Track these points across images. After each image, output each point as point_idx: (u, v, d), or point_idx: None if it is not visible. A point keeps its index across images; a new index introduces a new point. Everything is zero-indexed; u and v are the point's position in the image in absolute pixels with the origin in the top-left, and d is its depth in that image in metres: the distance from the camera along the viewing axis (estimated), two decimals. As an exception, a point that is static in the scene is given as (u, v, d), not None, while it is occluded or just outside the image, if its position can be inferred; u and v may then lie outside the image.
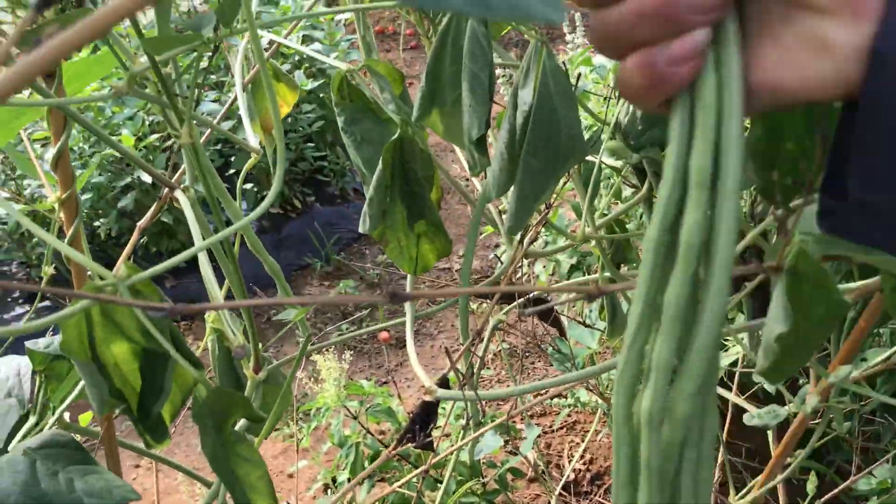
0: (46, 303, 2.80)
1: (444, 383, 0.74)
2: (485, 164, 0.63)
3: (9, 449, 0.66)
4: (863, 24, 0.31)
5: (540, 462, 2.10)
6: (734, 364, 1.47)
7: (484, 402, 1.95)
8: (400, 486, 1.14)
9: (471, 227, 0.77)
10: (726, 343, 1.52)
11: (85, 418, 1.09)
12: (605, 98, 1.59)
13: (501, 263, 0.93)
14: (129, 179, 2.98)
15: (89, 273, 0.80)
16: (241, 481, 0.70)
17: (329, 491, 2.02)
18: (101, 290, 0.51)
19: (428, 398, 0.72)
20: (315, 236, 3.46)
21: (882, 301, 0.83)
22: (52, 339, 0.79)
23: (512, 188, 0.63)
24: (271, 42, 0.91)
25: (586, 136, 0.97)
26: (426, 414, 0.70)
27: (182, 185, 0.65)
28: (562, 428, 2.34)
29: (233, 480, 0.68)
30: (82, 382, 0.76)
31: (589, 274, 2.01)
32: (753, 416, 1.14)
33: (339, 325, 2.99)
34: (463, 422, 1.50)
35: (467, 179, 1.15)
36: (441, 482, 1.50)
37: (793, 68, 0.33)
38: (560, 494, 2.00)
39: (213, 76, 3.30)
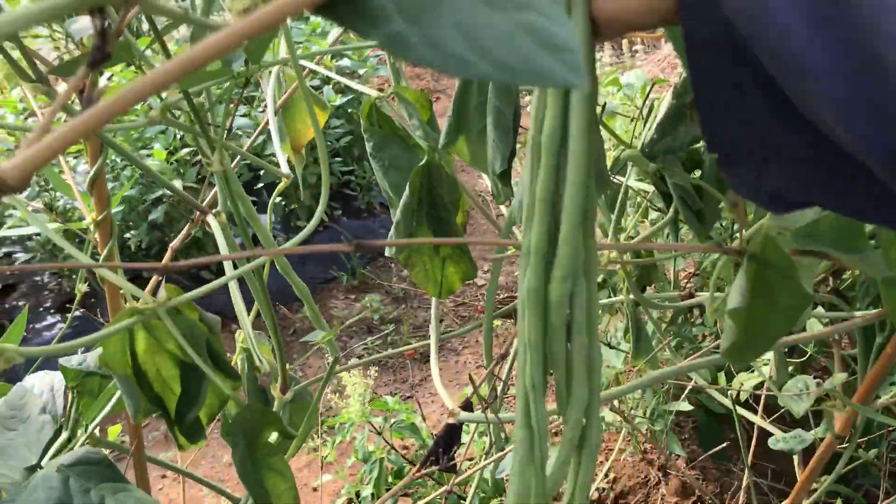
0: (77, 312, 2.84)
1: (467, 406, 0.74)
2: (508, 195, 0.64)
3: (42, 464, 0.67)
4: None
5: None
6: (759, 386, 1.46)
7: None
8: (423, 504, 1.14)
9: (496, 253, 0.78)
10: (752, 365, 1.51)
11: (114, 431, 1.11)
12: (631, 119, 1.59)
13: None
14: (159, 192, 3.02)
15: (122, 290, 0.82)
16: (269, 492, 0.72)
17: (353, 505, 2.03)
18: (142, 312, 0.53)
19: (451, 420, 0.72)
20: (341, 250, 3.48)
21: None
22: (85, 356, 0.81)
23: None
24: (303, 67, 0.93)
25: (612, 157, 0.97)
26: (449, 437, 0.71)
27: (213, 210, 0.66)
28: (586, 446, 2.33)
29: (261, 492, 0.70)
30: (114, 399, 0.78)
31: (615, 292, 2.00)
32: (779, 440, 1.13)
33: (365, 341, 3.01)
34: (487, 438, 1.50)
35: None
36: (464, 499, 1.50)
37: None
38: (584, 513, 1.99)
39: (243, 91, 3.34)
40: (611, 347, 1.72)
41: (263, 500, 0.72)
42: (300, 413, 0.85)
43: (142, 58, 0.60)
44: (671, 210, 0.92)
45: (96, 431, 0.79)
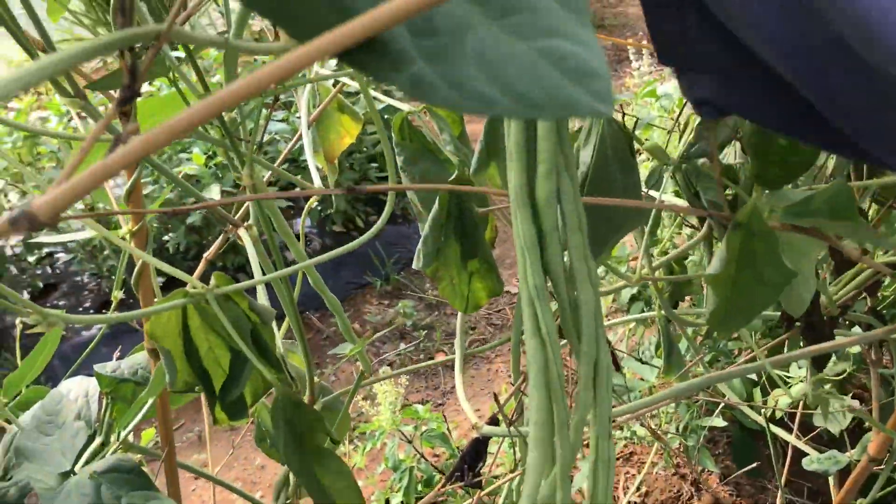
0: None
1: (493, 421, 0.74)
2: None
3: (76, 470, 0.69)
4: None
5: (594, 493, 2.08)
6: (795, 406, 1.43)
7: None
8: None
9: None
10: (789, 381, 1.49)
11: (147, 435, 1.13)
12: (668, 131, 1.57)
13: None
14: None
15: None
16: (327, 490, 0.73)
17: (382, 512, 2.03)
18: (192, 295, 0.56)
19: (476, 435, 0.72)
20: (375, 255, 3.50)
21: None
22: (119, 363, 0.83)
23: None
24: (337, 81, 0.94)
25: (646, 171, 0.96)
26: (475, 452, 0.71)
27: (245, 224, 0.67)
28: (618, 459, 2.31)
29: (320, 490, 0.71)
30: (146, 406, 0.79)
31: (649, 305, 1.99)
32: (813, 461, 1.11)
33: (398, 347, 3.02)
34: (513, 450, 1.49)
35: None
36: (493, 510, 1.49)
37: None
38: (614, 527, 1.98)
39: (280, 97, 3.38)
40: (643, 363, 1.71)
41: (322, 494, 0.73)
42: (331, 420, 0.86)
43: (176, 70, 0.61)
44: (705, 226, 0.91)
45: (130, 437, 0.80)
